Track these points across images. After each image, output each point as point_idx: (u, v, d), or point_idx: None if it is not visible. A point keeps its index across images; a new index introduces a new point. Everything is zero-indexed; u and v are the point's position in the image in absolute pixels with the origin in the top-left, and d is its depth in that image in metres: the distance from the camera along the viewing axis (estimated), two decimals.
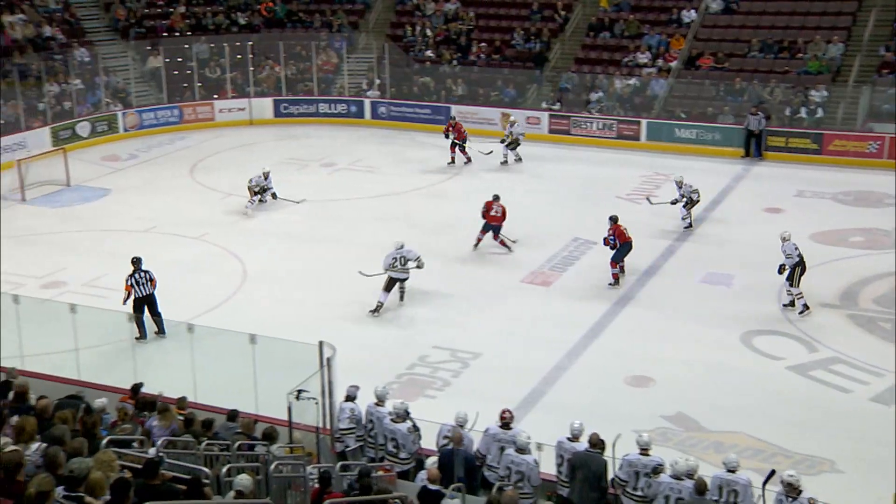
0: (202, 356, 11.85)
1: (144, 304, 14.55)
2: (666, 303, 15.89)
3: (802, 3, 27.66)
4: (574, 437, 9.87)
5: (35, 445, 7.48)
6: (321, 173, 23.94)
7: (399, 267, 15.64)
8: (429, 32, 30.38)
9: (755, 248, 17.72)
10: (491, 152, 23.91)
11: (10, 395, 10.05)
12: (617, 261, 16.63)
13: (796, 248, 15.40)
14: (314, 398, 10.37)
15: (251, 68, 29.37)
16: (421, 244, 18.59)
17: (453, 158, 24.24)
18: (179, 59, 29.35)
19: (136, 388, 11.04)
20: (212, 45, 29.62)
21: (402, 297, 15.98)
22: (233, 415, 10.45)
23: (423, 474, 9.27)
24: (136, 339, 14.12)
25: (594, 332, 14.98)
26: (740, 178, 23.16)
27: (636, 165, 23.96)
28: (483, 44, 29.51)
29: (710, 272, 16.84)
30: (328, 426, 10.78)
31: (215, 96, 29.06)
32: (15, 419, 8.51)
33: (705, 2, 28.45)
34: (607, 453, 9.59)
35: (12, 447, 7.06)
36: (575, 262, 17.81)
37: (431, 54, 29.72)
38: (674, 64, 27.24)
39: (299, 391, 10.21)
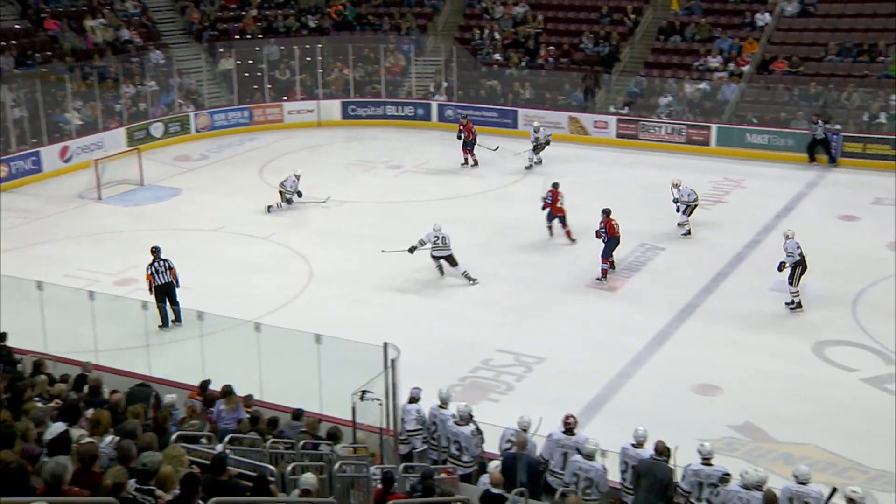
0: (268, 355, 12.02)
1: (164, 292, 15.04)
2: (734, 310, 15.65)
3: (884, 4, 26.92)
4: (638, 444, 9.78)
5: (108, 438, 7.70)
6: (387, 175, 24.10)
7: (441, 245, 16.73)
8: (497, 36, 30.37)
9: (828, 255, 17.33)
10: (497, 148, 23.71)
11: (86, 388, 10.37)
12: (606, 256, 16.95)
13: (798, 247, 15.51)
14: (378, 399, 10.46)
15: (320, 70, 29.71)
16: (485, 247, 18.71)
17: (466, 159, 24.36)
18: (250, 62, 29.85)
19: (205, 385, 11.26)
20: (282, 47, 30.05)
21: (442, 272, 17.02)
22: (298, 414, 10.59)
23: (485, 478, 9.27)
24: (159, 327, 14.67)
25: (660, 338, 14.82)
26: (814, 184, 22.68)
27: (705, 171, 23.62)
28: (551, 47, 29.39)
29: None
30: (391, 427, 10.86)
31: (284, 98, 29.47)
32: (90, 412, 8.77)
33: (780, 4, 27.93)
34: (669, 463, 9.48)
35: (88, 439, 7.27)
36: (641, 268, 17.65)
37: (499, 57, 29.71)
38: (746, 68, 26.78)
39: (363, 392, 10.31)
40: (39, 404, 9.02)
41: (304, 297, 16.63)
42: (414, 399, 10.86)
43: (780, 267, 15.64)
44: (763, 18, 27.82)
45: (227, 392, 10.63)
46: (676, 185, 19.24)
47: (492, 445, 10.43)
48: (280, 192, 21.18)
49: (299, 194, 21.18)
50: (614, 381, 13.51)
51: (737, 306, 15.80)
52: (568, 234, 18.78)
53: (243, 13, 31.33)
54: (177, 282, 15.29)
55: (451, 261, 16.92)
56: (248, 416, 10.49)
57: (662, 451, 9.48)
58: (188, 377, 11.89)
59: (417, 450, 10.71)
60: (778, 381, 13.39)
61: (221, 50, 29.87)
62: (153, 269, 15.20)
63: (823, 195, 21.82)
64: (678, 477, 9.50)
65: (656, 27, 29.02)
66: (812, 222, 19.69)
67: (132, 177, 23.28)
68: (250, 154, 26.38)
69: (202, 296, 16.12)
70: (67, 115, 25.20)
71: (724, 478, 9.30)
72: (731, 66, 26.96)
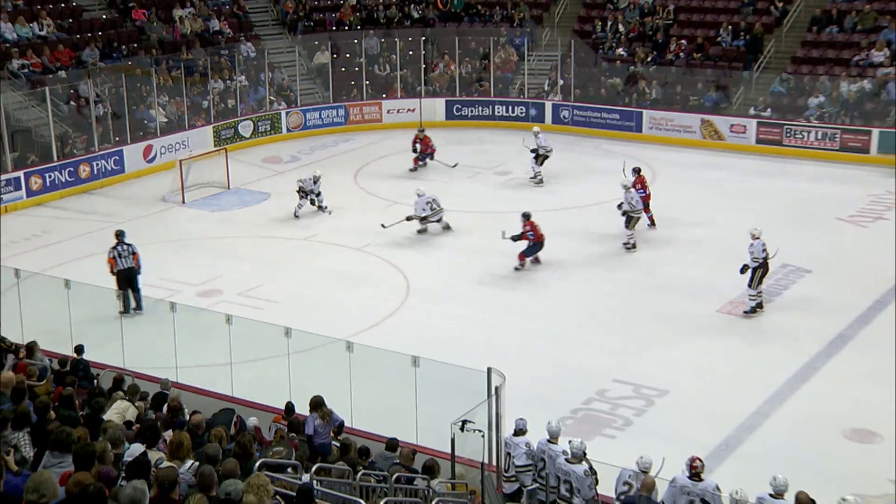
0: (360, 377, 12.14)
1: (126, 277, 16.00)
2: (894, 344, 15.08)
3: None
4: (777, 495, 9.49)
5: (189, 463, 7.89)
6: (494, 182, 24.15)
7: (437, 208, 18.94)
8: (621, 28, 30.15)
9: None
10: (456, 165, 23.14)
11: (164, 407, 10.67)
12: (528, 255, 18.43)
13: (764, 250, 16.16)
14: (480, 430, 10.44)
15: (423, 66, 30.04)
16: (605, 264, 18.55)
17: (416, 168, 24.70)
18: (347, 55, 30.42)
19: (290, 407, 11.44)
20: (382, 40, 30.54)
21: (449, 227, 19.60)
22: (392, 444, 10.66)
23: None
24: (120, 313, 15.77)
25: (804, 374, 14.41)
26: None
27: (864, 183, 22.88)
28: (683, 41, 29.01)
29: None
30: (494, 462, 10.83)
31: (384, 95, 29.90)
32: (169, 433, 9.02)
33: None
34: None
35: (167, 464, 7.48)
36: (783, 292, 17.22)
37: (623, 52, 29.48)
38: None
39: (464, 422, 10.29)
40: (116, 422, 9.33)
41: (399, 314, 16.79)
42: (520, 431, 10.81)
43: (743, 269, 16.30)
44: None
45: (319, 403, 10.78)
46: (536, 134, 21.82)
47: (607, 487, 10.29)
48: (298, 190, 21.70)
49: (319, 205, 21.70)
50: (749, 420, 13.18)
51: None
52: (651, 219, 20.12)
53: (341, 2, 31.97)
54: (139, 267, 16.23)
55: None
56: (337, 444, 10.61)
57: None
58: (273, 399, 12.11)
59: (528, 488, 10.64)
60: None
61: (316, 42, 30.54)
62: (115, 252, 16.17)
63: None
64: None
65: (808, 17, 28.28)
66: None
67: (218, 179, 23.97)
68: (345, 156, 26.82)
69: (290, 310, 16.46)
70: (152, 111, 26.11)
71: None
72: None
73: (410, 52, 30.28)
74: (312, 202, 21.73)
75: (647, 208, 20.06)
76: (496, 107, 29.61)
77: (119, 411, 10.33)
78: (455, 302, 17.22)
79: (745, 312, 16.40)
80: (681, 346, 15.44)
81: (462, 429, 10.29)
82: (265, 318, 15.27)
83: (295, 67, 29.87)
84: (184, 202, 22.92)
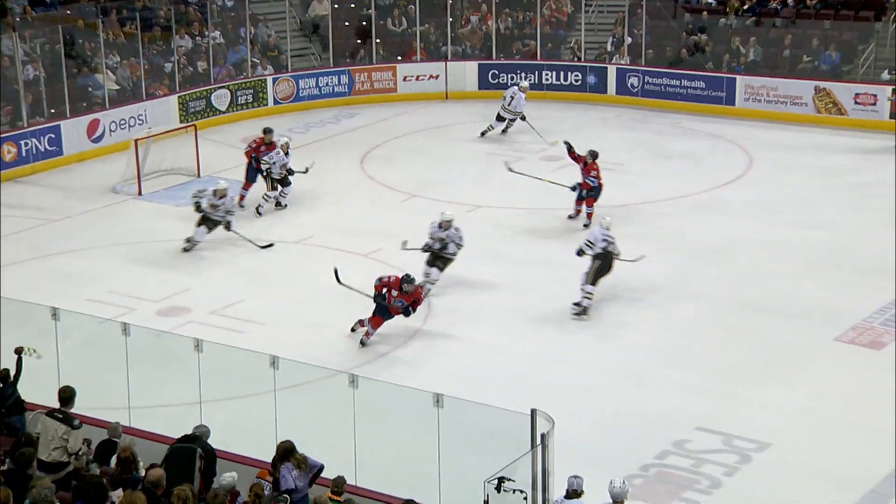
0: (368, 421, 12.15)
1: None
2: None
3: None
4: None
5: None
6: (542, 170, 24.09)
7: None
8: None
9: None
10: (307, 170, 22.45)
11: (113, 460, 10.73)
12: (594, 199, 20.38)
13: (605, 240, 17.38)
14: (522, 491, 10.43)
15: (450, 20, 30.05)
16: (681, 276, 18.51)
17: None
18: (352, 5, 30.49)
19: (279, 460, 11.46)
20: None
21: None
22: None
23: None
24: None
25: None
26: None
27: None
28: None
29: None
30: None
31: (399, 58, 29.97)
32: (118, 493, 9.07)
33: None
34: None
35: None
36: None
37: (711, 1, 29.42)
38: None
39: (501, 479, 10.29)
40: (46, 480, 9.36)
41: (418, 341, 16.81)
42: (574, 493, 10.80)
43: (579, 253, 17.61)
44: None
45: (290, 450, 10.91)
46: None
47: None
48: (265, 176, 21.90)
49: (290, 172, 21.87)
50: (882, 486, 13.05)
51: None
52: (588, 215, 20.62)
53: None
54: None
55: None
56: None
57: None
58: (255, 448, 12.13)
59: None
60: None
61: None
62: None
63: None
64: None
65: None
66: None
67: (185, 164, 24.09)
68: (349, 136, 26.90)
69: (279, 333, 16.50)
70: (99, 76, 26.24)
71: None
72: None
73: (434, 2, 30.30)
74: (282, 183, 21.92)
75: (587, 200, 20.80)
76: (545, 72, 29.65)
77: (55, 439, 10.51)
78: (491, 325, 17.21)
79: (574, 305, 17.48)
80: (787, 384, 15.35)
81: (499, 489, 10.28)
82: (245, 344, 15.29)
83: (285, 21, 29.98)
84: (140, 194, 23.03)
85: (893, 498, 12.88)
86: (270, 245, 20.19)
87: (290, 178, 21.98)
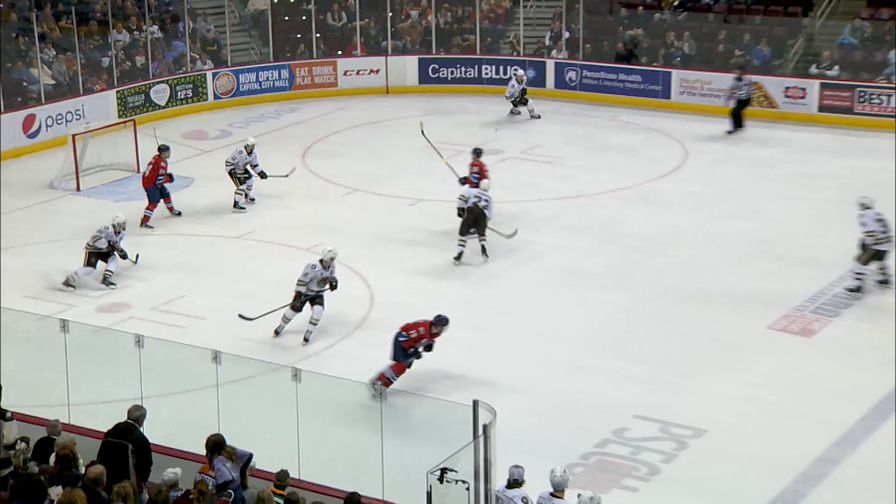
0: (311, 414, 12.13)
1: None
2: None
3: None
4: None
5: None
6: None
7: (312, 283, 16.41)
8: None
9: None
10: (287, 175, 22.31)
11: (52, 457, 10.62)
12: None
13: (477, 196, 18.91)
14: (464, 481, 10.44)
15: (390, 14, 30.04)
16: (622, 269, 18.60)
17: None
18: (292, 0, 30.35)
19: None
20: None
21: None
22: (351, 500, 10.65)
23: None
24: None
25: (882, 409, 14.45)
26: None
27: None
28: None
29: None
30: None
31: (339, 53, 29.93)
32: (58, 491, 8.97)
33: None
34: None
35: None
36: (853, 305, 17.34)
37: None
38: None
39: (443, 470, 10.30)
40: None
41: (360, 334, 16.80)
42: (516, 482, 10.83)
43: (459, 213, 19.06)
44: None
45: (220, 443, 10.95)
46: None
47: None
48: (230, 174, 21.62)
49: (262, 175, 21.62)
50: (812, 469, 13.21)
51: None
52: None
53: None
54: None
55: None
56: (280, 500, 10.60)
57: None
58: (197, 443, 12.05)
59: None
60: None
61: None
62: None
63: None
64: None
65: None
66: None
67: (124, 160, 23.90)
68: (290, 131, 26.83)
69: (219, 328, 16.42)
70: (34, 70, 25.97)
71: None
72: None
73: None
74: (245, 183, 21.62)
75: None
76: (484, 66, 29.70)
77: None
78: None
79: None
80: (722, 373, 15.48)
81: (441, 479, 10.29)
82: (187, 340, 15.21)
83: (224, 16, 29.83)
84: (79, 189, 22.85)
85: (823, 480, 13.05)
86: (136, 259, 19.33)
87: (251, 177, 21.75)
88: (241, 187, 21.66)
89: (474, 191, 19.13)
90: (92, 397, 13.57)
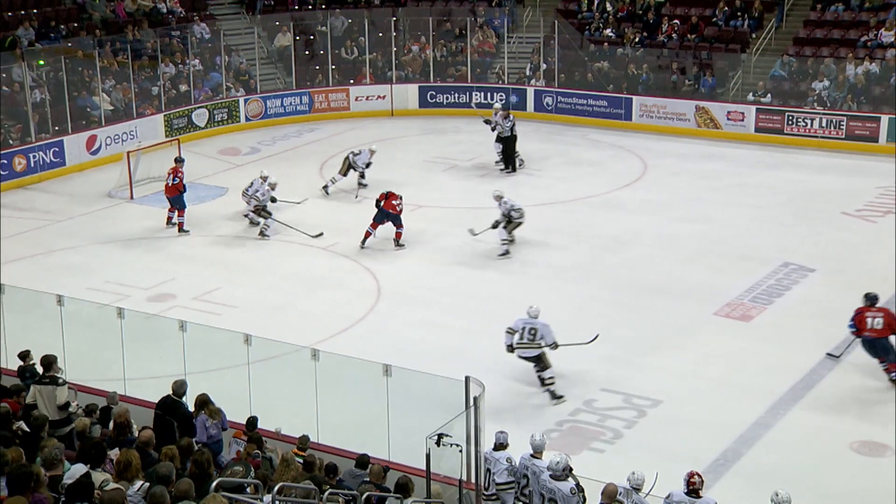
0: (327, 388, 12.13)
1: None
2: None
3: None
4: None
5: (138, 484, 7.85)
6: (472, 176, 24.16)
7: (526, 342, 14.30)
8: (609, 7, 30.28)
9: None
10: (300, 203, 21.94)
11: (111, 424, 10.62)
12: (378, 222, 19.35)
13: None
14: (458, 444, 10.44)
15: (394, 49, 30.01)
16: (590, 264, 18.61)
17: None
18: (311, 37, 30.34)
19: (252, 422, 11.43)
20: (349, 20, 30.46)
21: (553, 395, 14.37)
22: (365, 461, 10.66)
23: None
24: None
25: (808, 381, 14.52)
26: None
27: (872, 174, 23.08)
28: (676, 21, 29.16)
29: None
30: (473, 479, 10.83)
31: (351, 81, 29.85)
32: (116, 452, 8.97)
33: None
34: None
35: (114, 485, 7.43)
36: (784, 294, 17.34)
37: (611, 34, 29.59)
38: None
39: (440, 435, 10.29)
40: (55, 441, 9.25)
41: (370, 320, 16.78)
42: (501, 445, 10.85)
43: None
44: None
45: (205, 401, 11.09)
46: (499, 198, 19.28)
47: None
48: (255, 209, 20.64)
49: (273, 200, 20.73)
50: (749, 432, 13.26)
51: None
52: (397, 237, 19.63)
53: None
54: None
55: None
56: (300, 460, 10.60)
57: None
58: (232, 412, 12.06)
59: None
60: None
61: (277, 23, 30.46)
62: None
63: None
64: None
65: None
66: None
67: None
68: (309, 148, 26.76)
69: (250, 315, 16.44)
70: (95, 98, 25.93)
71: None
72: None
73: (380, 34, 30.23)
74: (268, 213, 20.52)
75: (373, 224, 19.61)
76: (474, 93, 29.62)
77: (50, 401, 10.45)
78: (430, 307, 17.22)
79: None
80: (674, 352, 15.51)
81: (438, 443, 10.27)
82: (223, 325, 15.22)
83: (254, 50, 29.79)
84: (132, 198, 22.80)
85: (758, 441, 13.10)
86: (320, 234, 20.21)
87: (267, 210, 20.64)
88: (266, 221, 20.55)
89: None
90: (143, 373, 13.58)
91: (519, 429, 11.22)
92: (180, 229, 20.66)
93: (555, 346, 14.26)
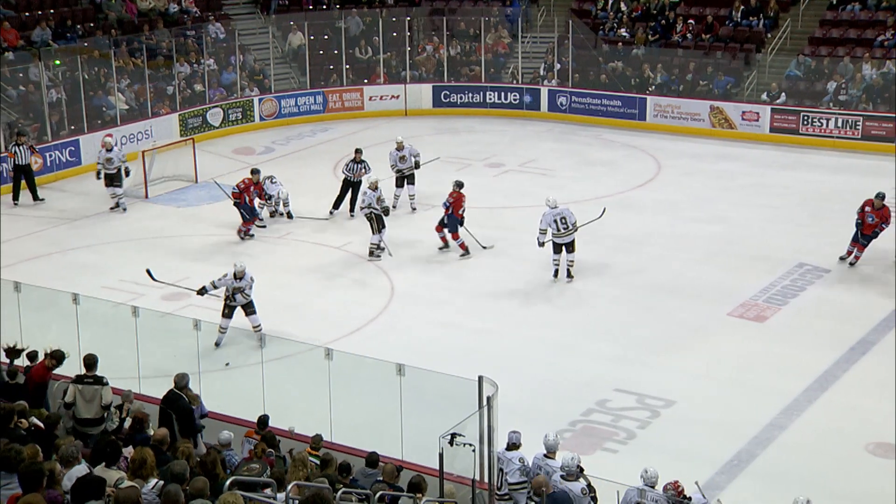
0: (341, 387, 12.15)
1: (22, 172, 21.67)
2: None
3: None
4: None
5: (153, 482, 7.88)
6: (486, 175, 24.16)
7: (562, 230, 16.49)
8: (623, 7, 30.22)
9: None
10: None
11: (127, 421, 10.67)
12: (444, 226, 18.93)
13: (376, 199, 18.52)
14: (471, 444, 10.44)
15: (408, 48, 30.03)
16: (603, 264, 18.59)
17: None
18: (326, 37, 30.38)
19: (263, 421, 11.45)
20: (364, 19, 30.48)
21: (569, 274, 17.19)
22: (374, 459, 10.67)
23: None
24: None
25: (822, 383, 14.47)
26: None
27: (888, 174, 22.89)
28: (691, 21, 29.09)
29: None
30: (486, 479, 10.83)
31: (365, 81, 29.88)
32: (130, 450, 9.01)
33: None
34: None
35: (128, 483, 7.46)
36: (799, 294, 17.29)
37: (625, 34, 29.54)
38: None
39: (453, 435, 10.30)
40: (72, 438, 9.31)
41: (383, 320, 16.79)
42: (514, 445, 10.85)
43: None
44: None
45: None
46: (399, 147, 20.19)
47: None
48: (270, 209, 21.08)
49: (290, 216, 21.20)
50: (763, 433, 13.24)
51: None
52: (462, 245, 19.10)
53: None
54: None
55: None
56: (316, 461, 10.61)
57: None
58: (245, 411, 12.11)
59: None
60: None
61: (292, 23, 30.51)
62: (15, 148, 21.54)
63: None
64: None
65: None
66: None
67: (185, 172, 23.90)
68: (323, 147, 26.80)
69: (263, 314, 16.38)
70: (111, 98, 26.03)
71: None
72: None
73: (394, 34, 30.25)
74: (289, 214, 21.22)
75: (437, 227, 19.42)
76: (488, 93, 29.63)
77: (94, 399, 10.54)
78: (444, 307, 17.23)
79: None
80: (688, 352, 15.48)
81: (451, 443, 10.28)
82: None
83: (268, 50, 29.84)
84: (147, 197, 22.85)
85: (772, 442, 13.07)
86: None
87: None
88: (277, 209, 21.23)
89: (371, 195, 18.69)
90: (158, 371, 13.60)
91: (532, 429, 11.20)
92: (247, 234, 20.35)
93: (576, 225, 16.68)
